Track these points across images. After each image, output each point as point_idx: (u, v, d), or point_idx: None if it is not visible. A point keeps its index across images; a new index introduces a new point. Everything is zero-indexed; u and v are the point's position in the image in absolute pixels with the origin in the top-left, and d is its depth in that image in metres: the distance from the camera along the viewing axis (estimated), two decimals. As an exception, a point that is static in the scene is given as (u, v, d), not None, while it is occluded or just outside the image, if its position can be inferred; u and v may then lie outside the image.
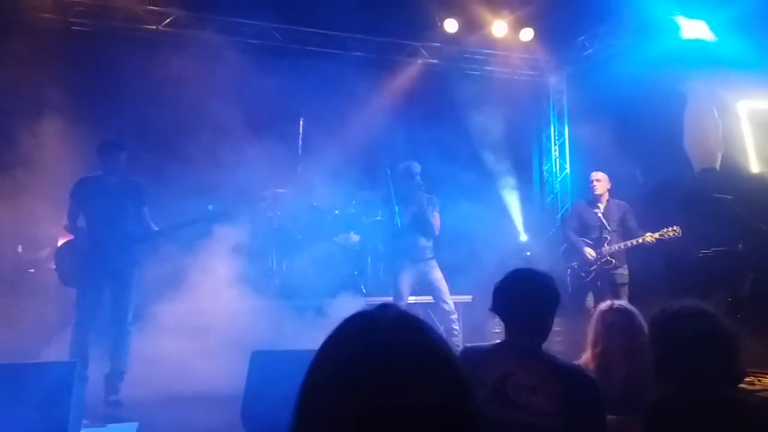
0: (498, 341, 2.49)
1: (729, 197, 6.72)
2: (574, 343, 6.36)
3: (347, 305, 5.70)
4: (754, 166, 7.29)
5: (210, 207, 5.29)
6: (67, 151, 5.65)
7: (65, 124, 5.79)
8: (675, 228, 6.18)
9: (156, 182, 5.88)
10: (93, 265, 5.00)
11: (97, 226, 5.11)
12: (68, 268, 5.10)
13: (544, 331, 2.43)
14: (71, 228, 5.16)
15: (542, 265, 7.36)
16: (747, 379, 5.16)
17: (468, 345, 2.49)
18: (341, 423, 0.97)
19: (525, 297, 2.41)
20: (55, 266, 5.19)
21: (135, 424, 4.12)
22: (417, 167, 6.41)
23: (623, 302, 3.48)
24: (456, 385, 1.04)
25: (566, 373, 2.32)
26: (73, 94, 6.22)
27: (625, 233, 6.57)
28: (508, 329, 2.45)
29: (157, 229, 5.32)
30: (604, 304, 3.34)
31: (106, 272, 5.06)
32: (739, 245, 6.34)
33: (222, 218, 5.34)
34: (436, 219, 6.20)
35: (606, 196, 6.78)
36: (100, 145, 5.25)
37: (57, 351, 4.97)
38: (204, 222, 5.31)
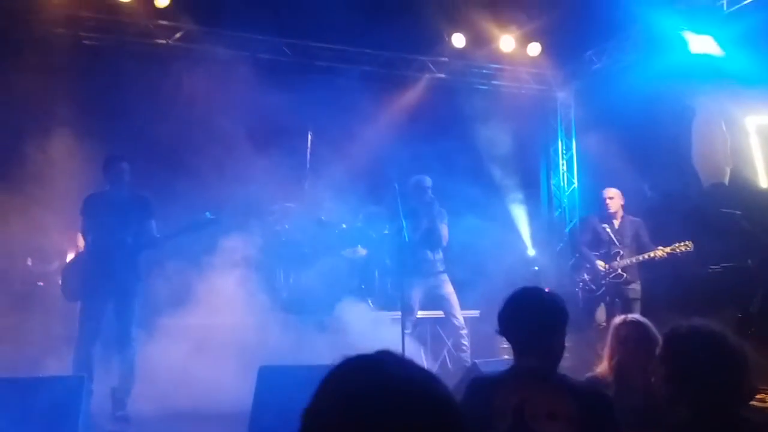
0: (507, 366, 2.39)
1: (737, 212, 6.69)
2: (583, 358, 6.34)
3: (354, 319, 5.70)
4: (763, 181, 7.26)
5: (207, 214, 5.28)
6: (77, 165, 5.68)
7: (75, 138, 5.84)
8: (686, 243, 6.16)
9: (164, 197, 5.89)
10: (96, 280, 5.02)
11: (100, 241, 5.14)
12: (72, 284, 5.13)
13: (556, 353, 2.33)
14: (81, 242, 5.23)
15: (550, 279, 7.35)
16: (758, 396, 5.10)
17: (476, 375, 2.43)
18: None
19: (532, 319, 2.29)
20: (60, 282, 5.22)
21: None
22: (428, 181, 6.44)
23: (636, 315, 3.52)
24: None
25: (581, 394, 2.26)
26: (84, 109, 6.27)
27: (639, 248, 6.56)
28: (517, 353, 2.35)
29: (158, 236, 5.32)
30: (618, 319, 3.37)
31: (110, 287, 5.07)
32: (749, 261, 6.30)
33: (219, 224, 5.33)
34: (444, 231, 6.21)
35: (620, 213, 6.78)
36: (103, 162, 5.29)
37: (64, 365, 4.97)
38: (202, 228, 5.28)
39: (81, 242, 5.26)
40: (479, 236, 6.22)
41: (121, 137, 6.34)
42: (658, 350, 2.43)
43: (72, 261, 5.27)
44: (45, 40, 7.37)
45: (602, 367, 3.28)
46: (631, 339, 3.17)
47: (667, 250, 6.24)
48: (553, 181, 10.15)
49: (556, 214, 9.98)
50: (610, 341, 3.26)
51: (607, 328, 3.41)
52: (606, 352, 3.31)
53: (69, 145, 5.80)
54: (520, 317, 2.31)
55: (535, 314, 2.30)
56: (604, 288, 6.60)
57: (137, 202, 5.33)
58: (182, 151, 6.37)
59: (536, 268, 7.88)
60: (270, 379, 4.02)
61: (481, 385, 2.32)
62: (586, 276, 6.81)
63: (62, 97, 6.60)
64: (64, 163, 5.70)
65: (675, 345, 2.30)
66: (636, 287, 6.54)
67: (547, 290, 2.48)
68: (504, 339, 2.44)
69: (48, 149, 5.83)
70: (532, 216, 9.05)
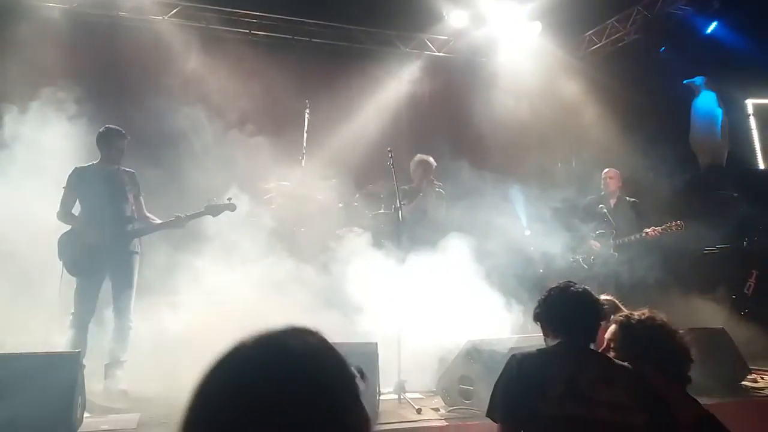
0: (551, 345, 2.56)
1: (735, 194, 6.70)
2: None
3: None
4: (761, 163, 7.27)
5: (228, 198, 5.27)
6: (68, 141, 5.61)
7: (68, 112, 5.76)
8: (678, 222, 6.18)
9: (159, 174, 5.86)
10: (94, 255, 4.96)
11: (98, 215, 5.05)
12: (71, 258, 5.07)
13: (593, 335, 2.56)
14: (63, 216, 5.09)
15: (546, 259, 7.36)
16: (750, 376, 5.14)
17: (519, 353, 2.55)
18: None
19: (578, 305, 2.55)
20: (59, 256, 5.13)
21: (137, 415, 4.12)
22: (431, 161, 6.43)
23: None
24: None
25: (632, 369, 2.42)
26: (78, 84, 6.20)
27: (633, 228, 6.59)
28: (562, 334, 2.52)
29: (158, 221, 5.29)
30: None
31: (107, 262, 5.03)
32: (744, 242, 6.32)
33: (223, 210, 5.30)
34: (441, 213, 6.19)
35: (617, 193, 6.84)
36: (103, 133, 5.20)
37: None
38: (206, 214, 5.27)
39: (59, 213, 5.10)
40: (476, 215, 6.19)
41: (115, 113, 6.27)
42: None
43: (65, 234, 5.09)
44: (39, 15, 7.29)
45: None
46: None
47: (659, 229, 6.27)
48: (551, 161, 10.11)
49: (555, 194, 9.95)
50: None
51: None
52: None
53: (62, 119, 5.72)
54: (573, 304, 2.55)
55: (584, 303, 2.57)
56: (596, 267, 6.64)
57: (128, 176, 5.26)
58: (177, 128, 6.32)
59: (532, 248, 7.88)
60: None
61: (531, 360, 2.48)
62: (579, 255, 6.84)
63: (56, 72, 6.53)
64: (57, 138, 5.62)
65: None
66: (627, 267, 6.56)
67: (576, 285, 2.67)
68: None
69: (40, 122, 5.75)
70: (530, 196, 9.02)
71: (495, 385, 2.51)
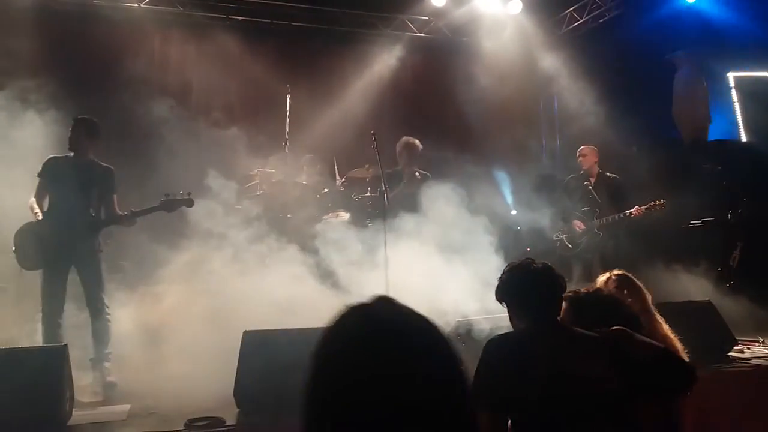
0: (521, 325, 2.54)
1: (718, 167, 6.74)
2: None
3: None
4: (743, 136, 7.31)
5: (167, 194, 5.11)
6: (41, 131, 5.50)
7: (40, 103, 5.65)
8: (661, 201, 6.21)
9: (139, 164, 5.78)
10: (55, 247, 4.80)
11: (62, 208, 4.89)
12: (28, 252, 4.89)
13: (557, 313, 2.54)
14: (30, 204, 4.95)
15: (531, 238, 7.39)
16: (736, 347, 5.20)
17: (494, 337, 2.51)
18: (347, 415, 1.02)
19: (543, 282, 2.50)
20: (14, 249, 4.99)
21: (126, 407, 4.10)
22: (417, 144, 6.41)
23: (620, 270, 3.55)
24: (453, 377, 1.11)
25: (603, 342, 2.41)
26: (51, 74, 6.08)
27: (615, 206, 6.60)
28: (532, 314, 2.49)
29: (120, 213, 5.06)
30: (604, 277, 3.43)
31: (69, 255, 4.88)
32: (728, 215, 6.37)
33: (180, 206, 5.17)
34: (424, 197, 6.14)
35: (595, 170, 6.80)
36: (74, 122, 5.03)
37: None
38: (166, 209, 5.12)
39: (35, 206, 4.97)
40: (460, 195, 6.18)
41: (89, 103, 6.15)
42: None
43: (24, 226, 4.92)
44: (9, 2, 7.11)
45: None
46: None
47: (643, 209, 6.30)
48: (534, 140, 10.13)
49: (539, 173, 9.99)
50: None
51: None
52: None
53: (35, 111, 5.61)
54: (532, 281, 2.51)
55: (544, 277, 2.52)
56: (580, 246, 6.67)
57: (101, 172, 5.09)
58: (156, 116, 6.22)
59: (519, 228, 7.90)
60: (254, 342, 4.02)
61: (509, 344, 2.44)
62: (563, 235, 6.87)
63: (27, 62, 6.39)
64: (28, 128, 5.51)
65: (578, 306, 2.65)
66: (612, 245, 6.59)
67: (533, 262, 2.61)
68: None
69: (11, 112, 5.63)
70: (515, 175, 9.04)
71: (475, 375, 2.40)
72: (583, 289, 2.78)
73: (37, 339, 4.85)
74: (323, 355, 1.09)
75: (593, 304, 2.68)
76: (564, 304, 2.64)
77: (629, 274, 3.45)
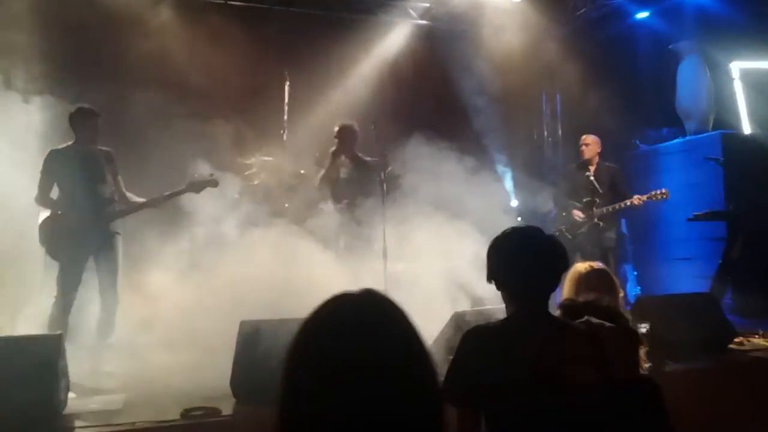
0: (505, 315, 2.22)
1: (721, 159, 6.70)
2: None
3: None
4: (746, 128, 7.25)
5: (210, 174, 5.19)
6: (36, 120, 5.46)
7: (34, 92, 5.60)
8: (663, 191, 6.16)
9: (135, 150, 5.73)
10: (76, 238, 4.87)
11: (78, 197, 4.94)
12: (53, 242, 4.99)
13: (550, 296, 2.20)
14: (41, 200, 4.99)
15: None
16: (737, 339, 5.19)
17: (477, 325, 2.16)
18: (323, 399, 1.05)
19: (537, 259, 2.15)
20: (40, 242, 5.05)
21: (123, 396, 4.09)
22: (351, 128, 6.24)
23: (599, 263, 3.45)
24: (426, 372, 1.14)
25: (593, 333, 2.21)
26: (43, 60, 6.02)
27: (615, 196, 6.57)
28: (514, 298, 2.20)
29: (140, 201, 5.18)
30: (582, 266, 3.31)
31: (90, 245, 4.95)
32: (731, 207, 6.33)
33: (206, 186, 5.22)
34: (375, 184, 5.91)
35: (596, 160, 6.77)
36: (74, 113, 5.03)
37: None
38: (188, 191, 5.19)
39: (46, 200, 5.01)
40: (461, 185, 6.14)
41: (84, 89, 6.08)
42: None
43: (47, 219, 5.03)
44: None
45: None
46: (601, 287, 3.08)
47: (644, 198, 6.24)
48: (536, 130, 10.08)
49: (540, 163, 9.95)
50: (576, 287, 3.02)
51: None
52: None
53: (23, 96, 5.55)
54: (523, 256, 2.16)
55: (541, 253, 2.16)
56: (581, 236, 6.64)
57: (104, 156, 5.15)
58: (151, 103, 6.17)
59: (519, 218, 7.87)
60: (251, 332, 4.00)
61: (492, 336, 2.13)
62: (563, 225, 6.84)
63: (19, 50, 6.31)
64: (17, 115, 5.46)
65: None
66: (612, 235, 6.58)
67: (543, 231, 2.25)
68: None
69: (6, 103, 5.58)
70: (516, 165, 9.00)
71: (451, 365, 2.12)
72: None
73: (18, 328, 4.85)
74: (300, 342, 1.11)
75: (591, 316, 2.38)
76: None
77: (608, 269, 3.34)
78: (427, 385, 1.12)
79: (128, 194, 5.22)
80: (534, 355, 2.02)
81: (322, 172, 6.21)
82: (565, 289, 3.11)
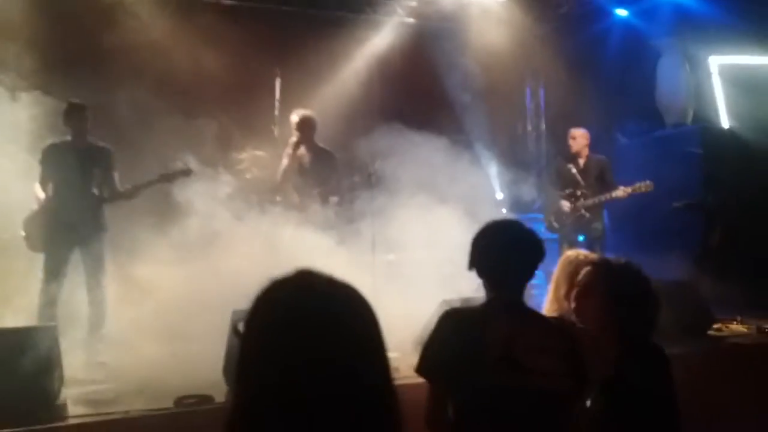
0: (482, 300, 2.31)
1: (699, 151, 6.84)
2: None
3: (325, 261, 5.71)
4: (725, 122, 7.40)
5: (179, 163, 5.22)
6: (22, 110, 5.47)
7: (20, 88, 5.61)
8: (647, 183, 6.28)
9: (126, 147, 5.75)
10: (59, 231, 4.93)
11: (63, 191, 5.03)
12: (35, 235, 5.03)
13: (525, 285, 2.32)
14: (37, 191, 5.06)
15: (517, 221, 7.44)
16: (715, 326, 5.33)
17: (451, 308, 2.30)
18: (270, 377, 1.03)
19: (515, 250, 2.26)
20: (23, 233, 5.10)
21: (116, 385, 4.12)
22: (306, 117, 6.17)
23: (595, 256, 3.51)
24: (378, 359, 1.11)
25: (564, 330, 2.31)
26: (31, 55, 6.01)
27: (601, 188, 6.68)
28: (492, 286, 2.29)
29: (122, 190, 5.23)
30: (573, 253, 3.38)
31: (73, 237, 5.00)
32: (709, 198, 6.47)
33: (183, 175, 5.27)
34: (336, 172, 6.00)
35: (585, 152, 6.87)
36: (65, 109, 5.11)
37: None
38: (172, 179, 5.23)
39: (40, 192, 5.10)
40: (447, 179, 6.23)
41: (77, 86, 6.10)
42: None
43: (34, 212, 5.13)
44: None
45: (559, 307, 3.22)
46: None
47: (629, 190, 6.36)
48: (520, 124, 10.20)
49: (524, 158, 10.06)
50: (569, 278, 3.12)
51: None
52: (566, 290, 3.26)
53: (15, 94, 5.57)
54: (502, 248, 2.28)
55: (518, 244, 2.28)
56: (568, 227, 6.75)
57: (99, 152, 5.22)
58: (144, 98, 6.19)
59: (504, 210, 7.97)
60: (243, 321, 4.04)
61: (468, 319, 2.23)
62: (550, 215, 6.94)
63: (7, 47, 6.30)
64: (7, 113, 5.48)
65: (609, 278, 2.43)
66: (598, 226, 6.70)
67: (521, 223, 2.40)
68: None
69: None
70: (500, 159, 9.10)
71: (428, 341, 2.21)
72: (612, 258, 2.57)
73: (6, 320, 4.87)
74: (248, 327, 1.10)
75: (624, 273, 2.43)
76: (589, 268, 2.48)
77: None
78: (377, 351, 1.10)
79: (122, 191, 5.26)
80: (503, 340, 2.11)
81: (284, 164, 6.14)
82: (560, 277, 3.24)
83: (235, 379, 1.09)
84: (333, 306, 1.09)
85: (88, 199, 5.09)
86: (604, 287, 2.40)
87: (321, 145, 6.27)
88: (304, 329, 1.04)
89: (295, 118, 6.11)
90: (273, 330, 1.06)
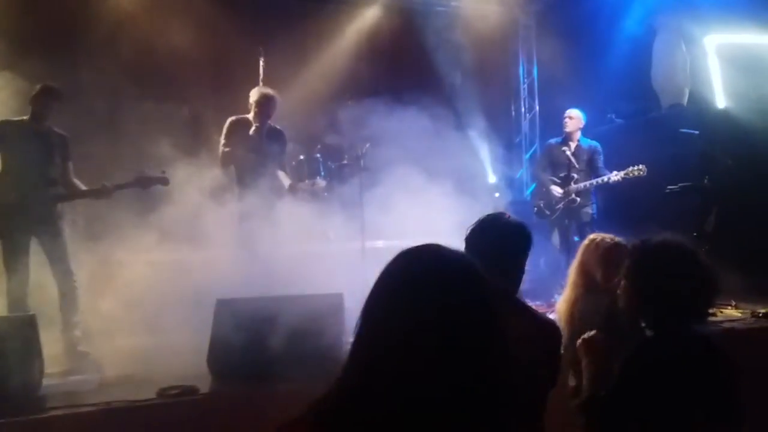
0: None
1: (695, 132, 6.74)
2: (541, 280, 6.46)
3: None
4: (721, 102, 7.29)
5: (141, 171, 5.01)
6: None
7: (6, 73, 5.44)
8: (640, 167, 6.19)
9: (106, 129, 5.61)
10: (13, 216, 4.69)
11: (22, 172, 4.77)
12: None
13: (514, 277, 2.38)
14: None
15: (509, 205, 7.38)
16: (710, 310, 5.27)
17: None
18: (394, 335, 1.08)
19: (494, 244, 2.32)
20: None
21: (97, 376, 4.07)
22: (266, 95, 5.75)
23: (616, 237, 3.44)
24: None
25: (540, 320, 2.37)
26: (16, 42, 5.85)
27: (592, 172, 6.61)
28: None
29: (84, 188, 5.01)
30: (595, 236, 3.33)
31: (30, 224, 4.77)
32: (705, 180, 6.38)
33: (160, 183, 5.08)
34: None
35: (577, 135, 6.80)
36: (39, 89, 4.86)
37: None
38: (141, 186, 5.03)
39: None
40: (439, 162, 6.12)
41: (58, 70, 5.93)
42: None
43: None
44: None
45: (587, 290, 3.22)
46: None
47: (621, 174, 6.29)
48: (513, 106, 10.08)
49: (516, 140, 9.96)
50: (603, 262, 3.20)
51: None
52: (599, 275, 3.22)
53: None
54: (488, 240, 2.34)
55: (496, 238, 2.34)
56: (558, 212, 6.68)
57: (59, 138, 4.98)
58: (126, 81, 6.04)
59: (497, 194, 7.89)
60: (227, 310, 3.99)
61: None
62: (541, 200, 6.86)
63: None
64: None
65: (646, 255, 2.25)
66: (589, 210, 6.64)
67: (508, 216, 2.46)
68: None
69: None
70: (493, 142, 8.99)
71: None
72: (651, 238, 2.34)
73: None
74: (371, 297, 1.15)
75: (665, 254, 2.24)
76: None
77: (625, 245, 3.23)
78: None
79: (75, 181, 5.03)
80: None
81: (224, 147, 5.65)
82: (589, 261, 3.23)
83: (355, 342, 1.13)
84: (465, 268, 1.19)
85: (45, 183, 4.85)
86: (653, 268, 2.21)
87: (276, 125, 5.90)
88: (441, 286, 1.12)
89: (254, 95, 5.71)
90: (411, 286, 1.12)
